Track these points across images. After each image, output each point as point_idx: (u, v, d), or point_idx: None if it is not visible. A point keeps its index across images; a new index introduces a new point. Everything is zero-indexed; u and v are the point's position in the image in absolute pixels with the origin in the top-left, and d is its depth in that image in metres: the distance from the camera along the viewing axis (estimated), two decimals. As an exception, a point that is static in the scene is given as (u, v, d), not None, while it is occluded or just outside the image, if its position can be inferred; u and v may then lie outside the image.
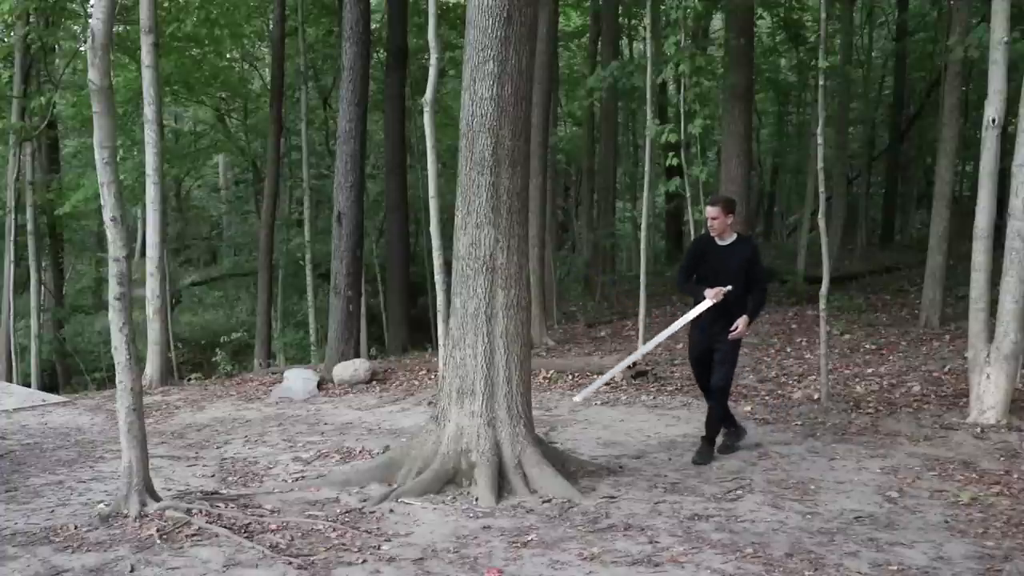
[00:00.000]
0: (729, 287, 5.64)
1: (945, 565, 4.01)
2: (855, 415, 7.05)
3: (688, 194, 8.63)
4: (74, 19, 16.09)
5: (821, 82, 7.93)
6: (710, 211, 5.75)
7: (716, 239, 5.78)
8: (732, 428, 6.13)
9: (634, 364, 8.00)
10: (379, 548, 4.26)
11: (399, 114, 14.64)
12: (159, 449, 6.57)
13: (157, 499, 4.80)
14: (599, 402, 7.96)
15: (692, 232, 9.41)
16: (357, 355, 11.08)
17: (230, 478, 5.78)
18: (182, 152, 19.79)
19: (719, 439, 6.03)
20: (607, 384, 8.23)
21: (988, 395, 6.60)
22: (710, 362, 5.87)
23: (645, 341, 7.95)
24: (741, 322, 5.66)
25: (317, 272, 15.95)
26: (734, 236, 5.80)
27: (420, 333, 14.65)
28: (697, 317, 5.79)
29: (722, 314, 5.70)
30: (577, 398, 6.13)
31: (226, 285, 23.93)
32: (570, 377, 8.98)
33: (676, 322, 5.96)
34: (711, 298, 5.63)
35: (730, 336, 5.65)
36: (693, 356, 6.04)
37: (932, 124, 18.22)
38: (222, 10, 16.12)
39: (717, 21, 18.48)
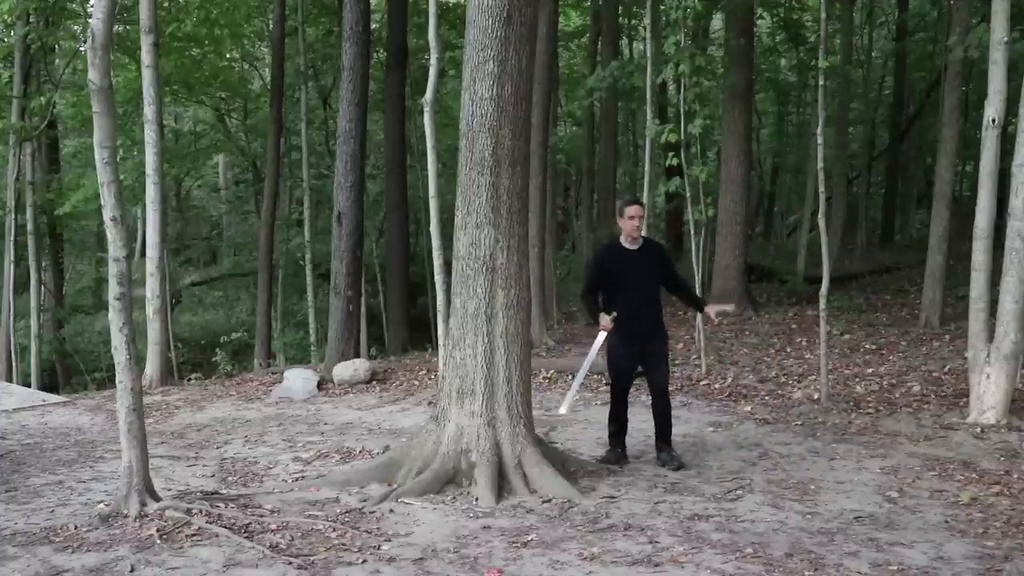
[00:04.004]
0: (614, 314, 5.53)
1: (945, 565, 4.01)
2: (855, 415, 7.04)
3: (688, 194, 8.63)
4: (74, 19, 16.09)
5: (821, 82, 7.93)
6: (640, 210, 5.60)
7: (626, 244, 5.65)
8: (621, 449, 5.89)
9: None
10: (379, 548, 4.26)
11: (399, 114, 14.64)
12: (159, 449, 6.57)
13: (157, 499, 4.80)
14: (599, 402, 7.96)
15: (692, 232, 9.41)
16: (357, 355, 11.07)
17: (230, 478, 5.79)
18: (182, 152, 19.79)
19: (603, 452, 5.95)
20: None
21: (988, 395, 6.60)
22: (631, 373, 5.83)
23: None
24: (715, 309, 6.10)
25: (317, 272, 15.95)
26: (642, 239, 5.71)
27: (420, 333, 14.64)
28: (628, 332, 5.61)
29: (651, 323, 5.68)
30: (563, 409, 6.08)
31: (226, 285, 23.91)
32: (570, 377, 8.97)
33: (590, 354, 5.78)
34: (604, 329, 5.56)
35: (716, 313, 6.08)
36: (625, 369, 5.78)
37: (932, 124, 18.24)
38: (222, 10, 16.13)
39: (717, 21, 18.48)
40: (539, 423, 6.36)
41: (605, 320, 5.57)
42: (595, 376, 8.89)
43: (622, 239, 5.70)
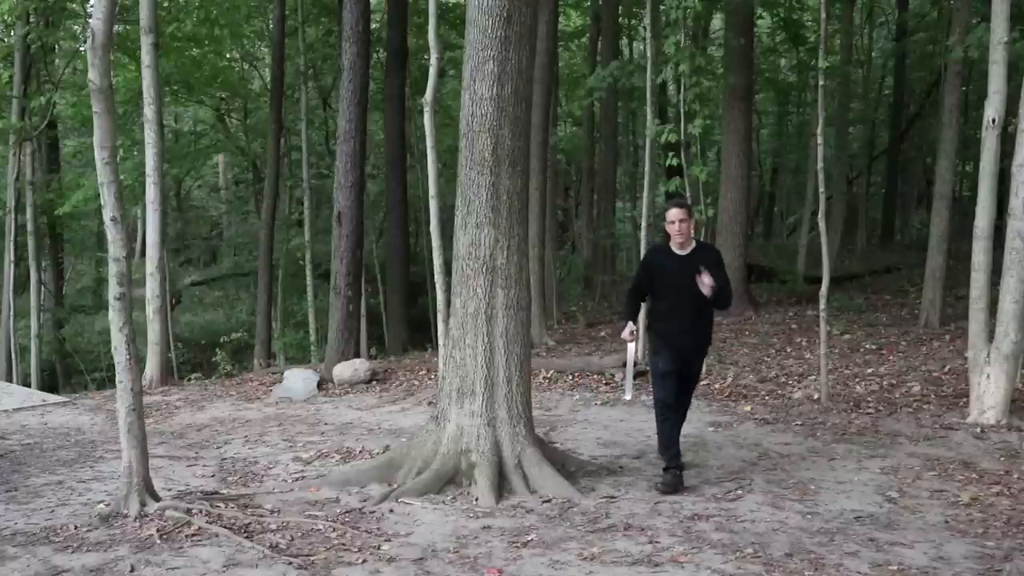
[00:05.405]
0: (631, 325, 5.32)
1: (945, 565, 4.01)
2: (855, 415, 7.05)
3: (688, 194, 8.63)
4: (74, 19, 16.09)
5: (821, 82, 7.93)
6: (678, 213, 5.23)
7: (675, 248, 5.31)
8: (676, 467, 5.31)
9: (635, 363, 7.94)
10: (379, 548, 4.26)
11: (399, 114, 14.63)
12: (159, 449, 6.57)
13: (157, 499, 4.80)
14: (599, 402, 7.97)
15: (692, 232, 9.40)
16: (357, 355, 11.07)
17: (230, 478, 5.78)
18: (182, 152, 19.76)
19: (664, 478, 5.30)
20: (615, 381, 8.25)
21: (988, 395, 6.60)
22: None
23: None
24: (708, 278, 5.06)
25: (317, 272, 15.93)
26: (693, 244, 5.35)
27: (420, 333, 14.62)
28: (665, 335, 5.37)
29: (693, 337, 5.37)
30: (627, 395, 5.97)
31: (226, 285, 23.90)
32: (570, 377, 8.98)
33: (628, 360, 5.66)
34: (629, 340, 5.33)
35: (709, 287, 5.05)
36: (662, 372, 5.33)
37: (932, 124, 18.23)
38: (222, 10, 16.12)
39: (717, 21, 18.48)
40: (539, 423, 6.36)
41: (623, 331, 5.38)
42: (594, 375, 8.89)
43: (671, 241, 5.35)
